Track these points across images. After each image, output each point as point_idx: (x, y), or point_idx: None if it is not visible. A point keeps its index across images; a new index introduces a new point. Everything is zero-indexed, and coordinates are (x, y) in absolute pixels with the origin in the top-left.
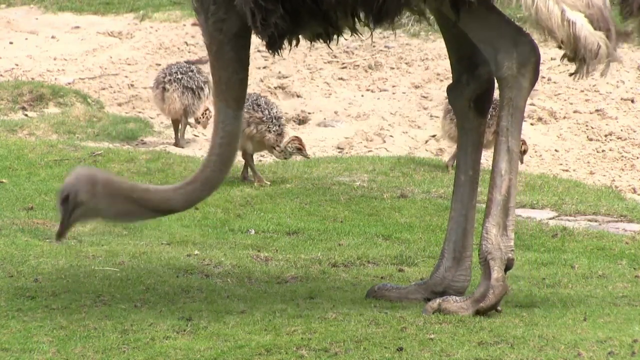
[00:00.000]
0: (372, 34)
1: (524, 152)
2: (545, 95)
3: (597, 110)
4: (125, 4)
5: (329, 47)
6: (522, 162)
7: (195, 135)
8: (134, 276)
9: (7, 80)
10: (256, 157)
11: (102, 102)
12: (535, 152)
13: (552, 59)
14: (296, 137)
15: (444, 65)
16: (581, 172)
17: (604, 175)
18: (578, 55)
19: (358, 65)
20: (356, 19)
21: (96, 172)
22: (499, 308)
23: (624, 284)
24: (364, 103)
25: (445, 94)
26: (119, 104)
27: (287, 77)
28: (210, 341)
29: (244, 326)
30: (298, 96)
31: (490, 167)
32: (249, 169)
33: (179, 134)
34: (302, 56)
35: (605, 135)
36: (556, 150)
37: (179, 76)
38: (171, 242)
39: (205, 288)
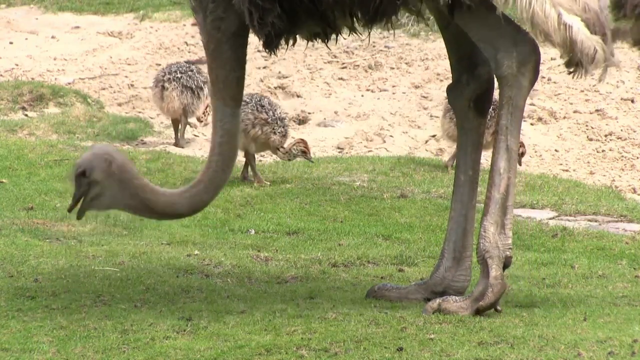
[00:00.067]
0: (369, 33)
1: (522, 154)
2: (545, 95)
3: (597, 110)
4: (125, 4)
5: (327, 46)
6: (520, 165)
7: (195, 135)
8: (134, 276)
9: (7, 80)
10: (256, 157)
11: (102, 102)
12: (535, 152)
13: (552, 59)
14: (302, 139)
15: (444, 65)
16: (581, 172)
17: (604, 175)
18: (574, 59)
19: (358, 65)
20: (354, 19)
21: (113, 151)
22: (499, 308)
23: (624, 284)
24: (364, 103)
25: (445, 94)
26: (119, 104)
27: (287, 77)
28: (210, 341)
29: (244, 326)
30: (298, 96)
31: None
32: (249, 169)
33: (178, 134)
34: (302, 56)
35: (605, 135)
36: (556, 150)
37: (179, 75)
38: (171, 242)
39: (205, 288)
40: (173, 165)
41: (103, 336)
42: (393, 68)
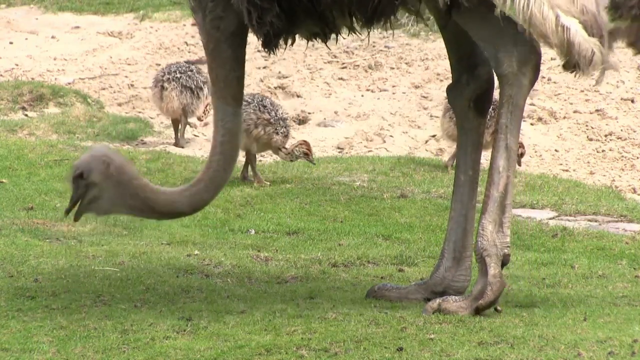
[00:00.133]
0: (369, 33)
1: (522, 154)
2: (545, 95)
3: (597, 110)
4: (125, 4)
5: (327, 46)
6: (519, 165)
7: (195, 135)
8: (134, 276)
9: (7, 80)
10: (256, 157)
11: (102, 102)
12: (535, 152)
13: (552, 59)
14: (305, 141)
15: (444, 65)
16: (581, 172)
17: (604, 175)
18: (572, 61)
19: (358, 65)
20: (353, 19)
21: (111, 153)
22: (499, 308)
23: (624, 284)
24: (364, 103)
25: (445, 94)
26: (119, 104)
27: (287, 77)
28: (210, 341)
29: (244, 326)
30: (298, 96)
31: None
32: (250, 169)
33: (178, 134)
34: (302, 56)
35: (605, 135)
36: (556, 150)
37: (178, 75)
38: (171, 242)
39: (205, 288)
40: (173, 165)
41: (103, 336)
42: (393, 68)
